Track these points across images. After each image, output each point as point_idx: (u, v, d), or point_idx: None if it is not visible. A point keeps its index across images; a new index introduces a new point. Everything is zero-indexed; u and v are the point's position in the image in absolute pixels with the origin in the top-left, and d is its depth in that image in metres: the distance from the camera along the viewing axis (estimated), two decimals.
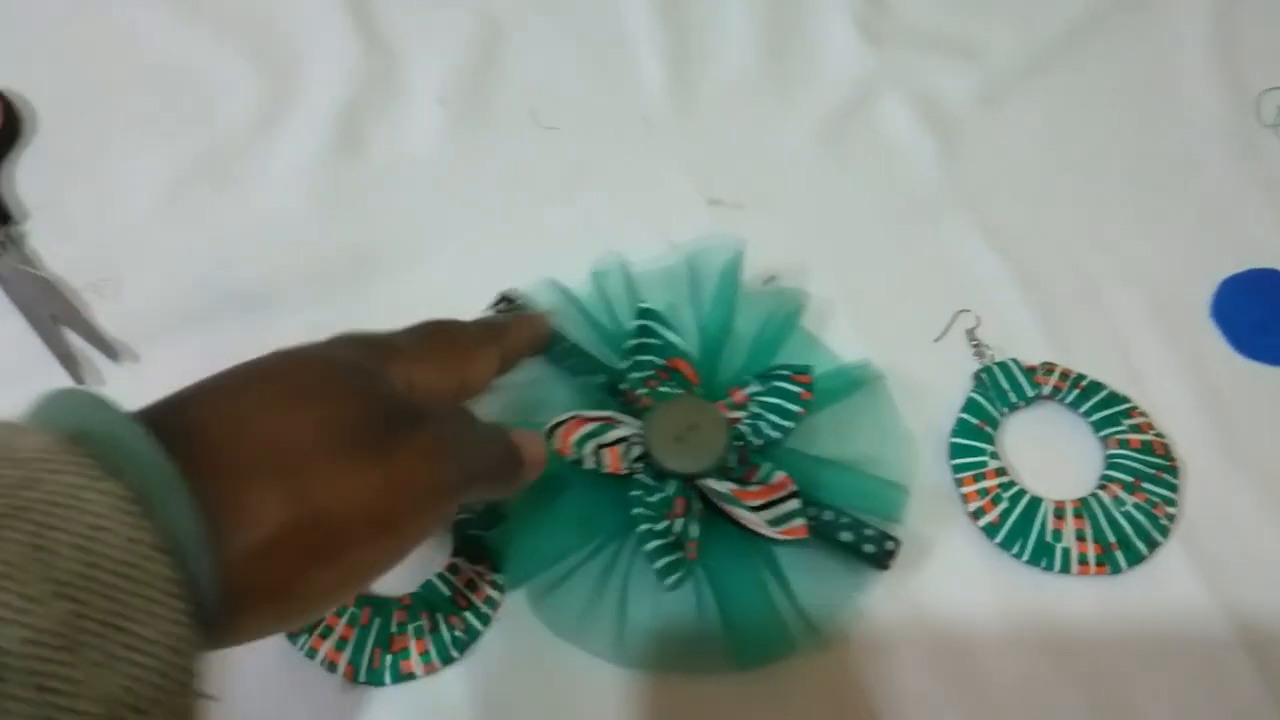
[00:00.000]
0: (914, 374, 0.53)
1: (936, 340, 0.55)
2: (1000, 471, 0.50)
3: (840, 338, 0.54)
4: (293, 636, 0.46)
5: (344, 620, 0.46)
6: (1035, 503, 0.49)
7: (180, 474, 0.27)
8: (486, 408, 0.48)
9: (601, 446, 0.46)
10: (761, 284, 0.56)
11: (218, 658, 0.28)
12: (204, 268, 0.57)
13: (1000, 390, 0.52)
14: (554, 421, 0.46)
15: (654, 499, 0.46)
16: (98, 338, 0.54)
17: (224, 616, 0.27)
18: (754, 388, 0.49)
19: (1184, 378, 0.54)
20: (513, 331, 0.45)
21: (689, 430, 0.47)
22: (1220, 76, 0.64)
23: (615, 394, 0.50)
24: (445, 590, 0.47)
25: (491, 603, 0.47)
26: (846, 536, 0.46)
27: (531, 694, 0.46)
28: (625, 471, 0.47)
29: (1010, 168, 0.61)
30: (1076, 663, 0.46)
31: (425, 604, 0.47)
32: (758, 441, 0.48)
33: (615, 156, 0.61)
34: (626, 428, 0.47)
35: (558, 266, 0.57)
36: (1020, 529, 0.48)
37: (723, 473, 0.47)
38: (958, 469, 0.50)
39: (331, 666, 0.46)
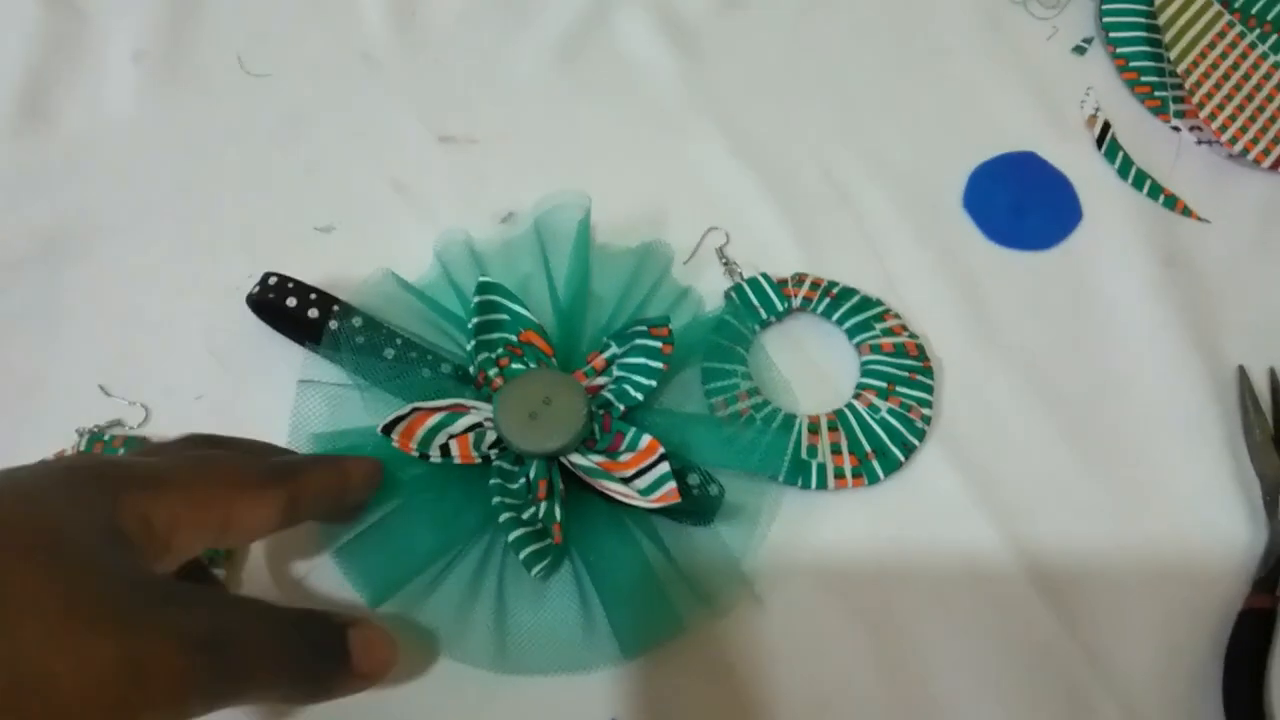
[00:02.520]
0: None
1: (685, 262, 0.52)
2: (752, 392, 0.47)
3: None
4: None
5: None
6: (789, 420, 0.47)
7: None
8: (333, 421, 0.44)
9: (451, 438, 0.42)
10: (500, 221, 0.52)
11: None
12: None
13: (750, 307, 0.50)
14: (392, 418, 0.41)
15: (515, 484, 0.42)
16: None
17: None
18: (613, 350, 0.45)
19: (939, 274, 0.52)
20: (310, 476, 0.38)
21: (543, 405, 0.43)
22: None
23: (468, 380, 0.45)
24: None
25: None
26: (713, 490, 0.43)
27: None
28: (479, 460, 0.42)
29: (754, 74, 0.58)
30: (847, 581, 0.44)
31: None
32: (622, 407, 0.44)
33: (336, 100, 0.57)
34: (477, 414, 0.43)
35: (277, 232, 0.52)
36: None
37: (587, 445, 0.43)
38: (710, 393, 0.47)
39: None
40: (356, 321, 0.47)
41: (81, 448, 0.46)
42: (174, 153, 0.55)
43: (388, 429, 0.41)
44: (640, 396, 0.44)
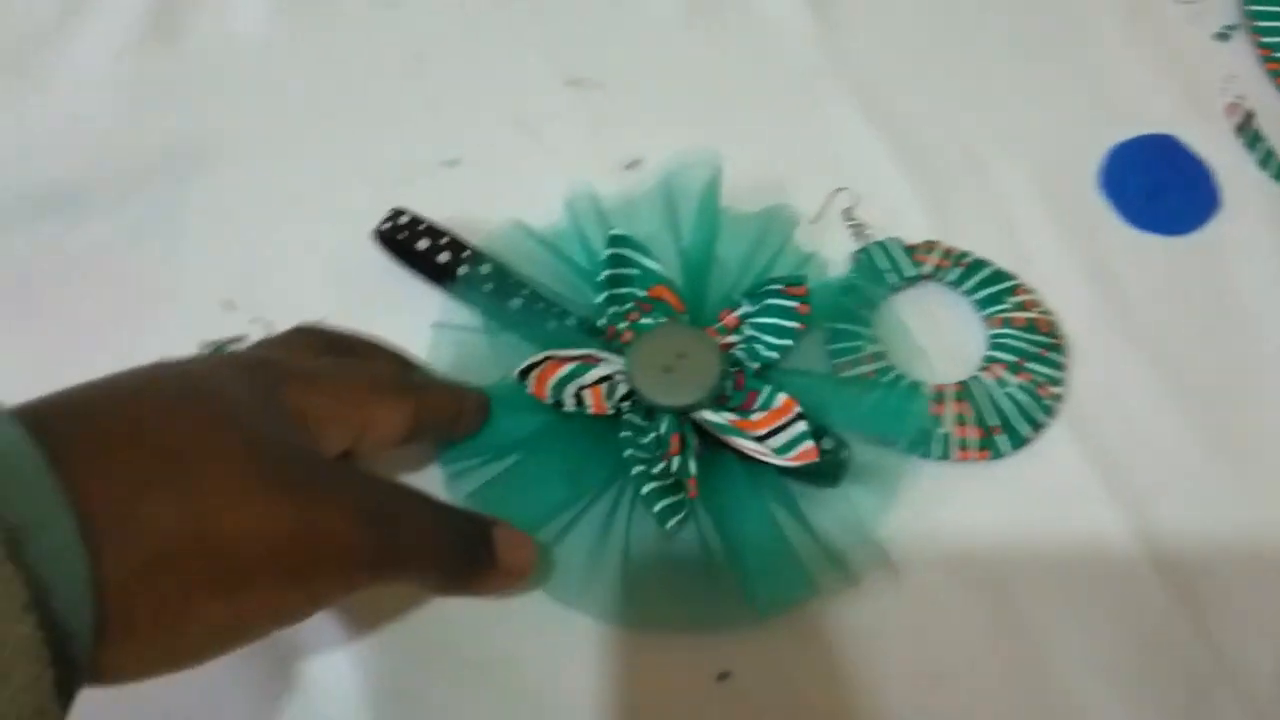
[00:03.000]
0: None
1: (813, 222, 0.51)
2: (878, 356, 0.47)
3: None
4: None
5: None
6: (914, 387, 0.46)
7: (64, 493, 0.24)
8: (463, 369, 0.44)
9: (583, 388, 0.42)
10: (624, 168, 0.52)
11: None
12: (2, 167, 0.51)
13: (878, 271, 0.49)
14: (526, 364, 0.41)
15: (646, 439, 0.41)
16: None
17: (103, 647, 0.25)
18: (746, 308, 0.44)
19: (1072, 252, 0.51)
20: (433, 394, 0.40)
21: (677, 360, 0.42)
22: None
23: (595, 333, 0.45)
24: None
25: None
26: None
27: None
28: (611, 412, 0.42)
29: (890, 37, 0.57)
30: (966, 554, 0.43)
31: None
32: (755, 365, 0.43)
33: (464, 35, 0.56)
34: (608, 365, 0.42)
35: (402, 163, 0.52)
36: None
37: (719, 402, 0.42)
38: (834, 354, 0.47)
39: None
40: (485, 269, 0.46)
41: None
42: (301, 77, 0.55)
43: (523, 374, 0.41)
44: (775, 355, 0.43)
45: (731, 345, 0.44)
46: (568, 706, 0.40)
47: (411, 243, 0.47)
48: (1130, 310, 0.49)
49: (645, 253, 0.45)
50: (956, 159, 0.53)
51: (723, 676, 0.41)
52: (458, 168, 0.52)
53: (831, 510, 0.42)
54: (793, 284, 0.43)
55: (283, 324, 0.47)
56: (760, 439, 0.41)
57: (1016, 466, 0.45)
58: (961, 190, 0.52)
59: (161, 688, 0.28)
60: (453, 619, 0.41)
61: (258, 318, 0.48)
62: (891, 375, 0.46)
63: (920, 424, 0.44)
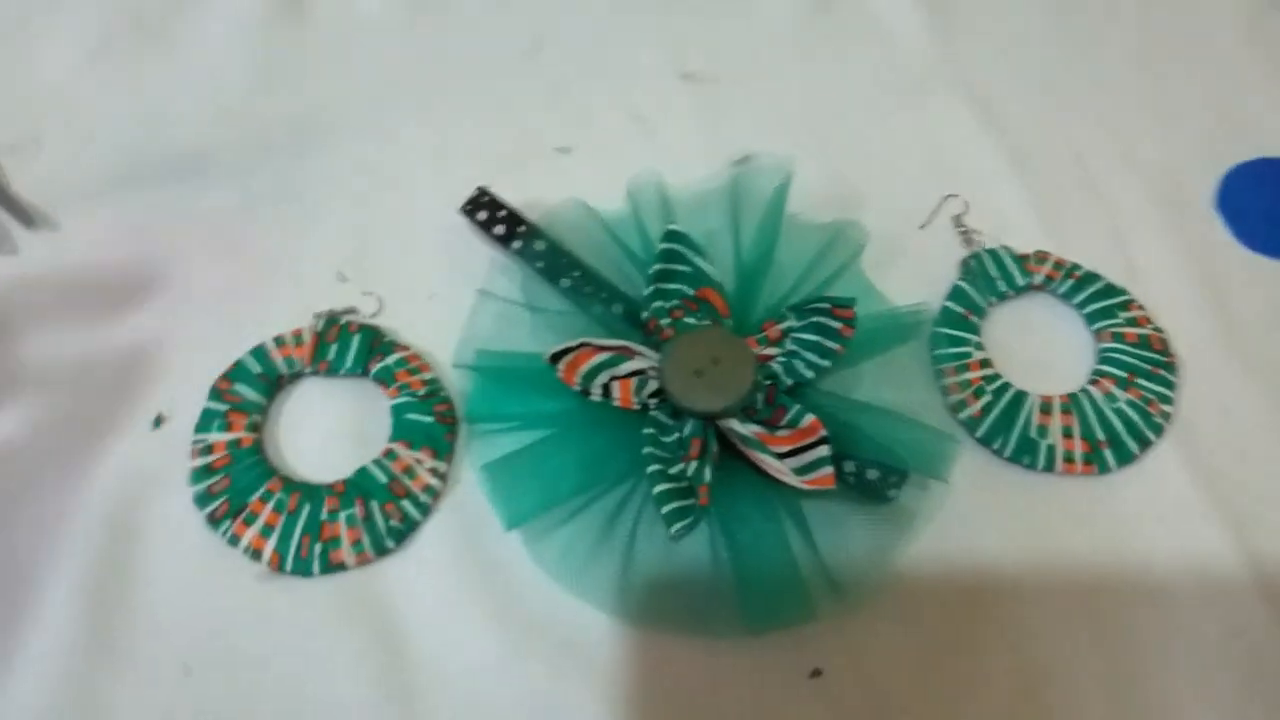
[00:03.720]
0: (898, 263, 0.50)
1: (922, 227, 0.51)
2: (984, 363, 0.46)
3: (817, 218, 0.50)
4: (214, 522, 0.42)
5: (270, 506, 0.43)
6: (1020, 397, 0.45)
7: None
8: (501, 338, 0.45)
9: (614, 379, 0.42)
10: (734, 163, 0.52)
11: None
12: (130, 131, 0.53)
13: (989, 278, 0.48)
14: (561, 348, 0.41)
15: (669, 439, 0.41)
16: (12, 203, 0.49)
17: None
18: (791, 322, 0.43)
19: (1185, 271, 0.50)
20: None
21: (712, 365, 0.42)
22: None
23: (637, 325, 0.45)
24: (381, 477, 0.44)
25: (431, 491, 0.44)
26: (872, 475, 0.42)
27: (470, 590, 0.42)
28: (638, 407, 0.42)
29: (1007, 44, 0.57)
30: (1066, 567, 0.43)
31: (359, 491, 0.43)
32: (789, 381, 0.43)
33: (582, 24, 0.57)
34: (643, 360, 0.42)
35: (517, 143, 0.53)
36: (1003, 424, 0.45)
37: (746, 414, 0.42)
38: (939, 359, 0.46)
39: (256, 554, 0.42)
40: (539, 245, 0.47)
41: (319, 329, 0.47)
42: (418, 59, 0.56)
43: (555, 358, 0.41)
44: (811, 375, 0.43)
45: (770, 358, 0.43)
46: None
47: (484, 216, 0.48)
48: (1242, 333, 0.48)
49: (699, 252, 0.45)
50: (1070, 170, 0.53)
51: (816, 674, 0.41)
52: (570, 156, 0.53)
53: (845, 537, 0.42)
54: (840, 306, 0.42)
55: (391, 299, 0.48)
56: (781, 457, 0.40)
57: (1123, 483, 0.44)
58: (1074, 202, 0.52)
59: None
60: None
61: (370, 291, 0.49)
62: (998, 383, 0.46)
63: (945, 468, 0.43)
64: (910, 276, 0.49)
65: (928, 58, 0.56)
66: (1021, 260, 0.49)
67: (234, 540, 0.42)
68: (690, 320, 0.44)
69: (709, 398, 0.42)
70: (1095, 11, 0.58)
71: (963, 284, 0.48)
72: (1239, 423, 0.46)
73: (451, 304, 0.48)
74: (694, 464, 0.41)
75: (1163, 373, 0.46)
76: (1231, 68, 0.56)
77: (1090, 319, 0.48)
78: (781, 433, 0.41)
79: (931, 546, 0.43)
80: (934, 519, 0.43)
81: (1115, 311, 0.47)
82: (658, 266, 0.44)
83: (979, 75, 0.55)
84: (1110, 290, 0.48)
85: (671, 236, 0.45)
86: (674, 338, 0.43)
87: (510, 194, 0.49)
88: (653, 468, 0.40)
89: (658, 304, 0.44)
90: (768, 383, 0.43)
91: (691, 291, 0.45)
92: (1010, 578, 0.42)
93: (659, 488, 0.40)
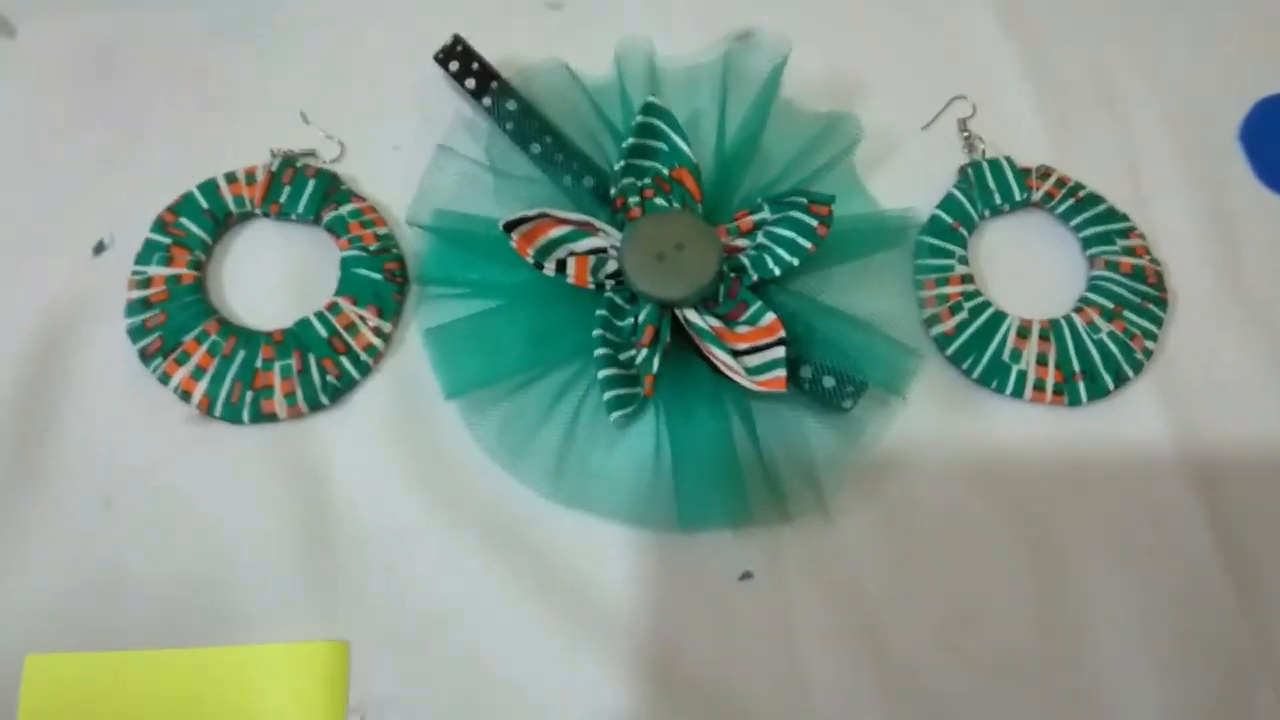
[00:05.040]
0: (893, 163, 0.47)
1: (925, 128, 0.48)
2: (966, 279, 0.44)
3: (814, 106, 0.47)
4: (146, 358, 0.41)
5: (204, 348, 0.41)
6: (998, 317, 0.43)
7: None
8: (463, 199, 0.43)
9: (572, 254, 0.40)
10: (734, 38, 0.49)
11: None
12: None
13: (986, 190, 0.46)
14: (518, 216, 0.39)
15: (621, 323, 0.40)
16: None
17: None
18: (765, 214, 0.41)
19: (1195, 203, 0.47)
20: None
21: (675, 250, 0.39)
22: None
23: (607, 201, 0.42)
24: (322, 330, 0.42)
25: (372, 351, 0.42)
26: (828, 382, 0.40)
27: (403, 456, 0.41)
28: (593, 287, 0.40)
29: None
30: (1020, 494, 0.41)
31: (297, 342, 0.42)
32: (755, 276, 0.41)
33: None
34: (604, 238, 0.40)
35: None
36: (976, 343, 0.43)
37: (705, 305, 0.40)
38: (920, 269, 0.44)
39: (185, 396, 0.41)
40: (511, 105, 0.44)
41: (274, 169, 0.44)
42: None
43: (510, 226, 0.39)
44: (778, 271, 0.40)
45: (738, 249, 0.41)
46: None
47: (462, 77, 0.45)
48: (1245, 275, 0.46)
49: (678, 130, 0.42)
50: (1089, 85, 0.49)
51: (745, 576, 0.40)
52: (560, 10, 0.50)
53: (792, 442, 0.40)
54: (817, 202, 0.40)
55: (354, 145, 0.46)
56: (737, 353, 0.39)
57: (1090, 416, 0.42)
58: (1088, 119, 0.49)
59: None
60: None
61: (333, 135, 0.46)
62: (977, 300, 0.43)
63: (904, 384, 0.41)
64: (904, 178, 0.47)
65: None
66: (1023, 174, 0.46)
67: (164, 379, 0.41)
68: (660, 201, 0.42)
69: (668, 285, 0.39)
70: None
71: (957, 192, 0.46)
72: (1225, 368, 0.44)
73: (417, 158, 0.45)
74: (644, 351, 0.39)
75: (1152, 307, 0.43)
76: None
77: (1086, 243, 0.45)
78: (740, 329, 0.39)
79: (878, 459, 0.41)
80: (887, 435, 0.41)
81: (1113, 238, 0.45)
82: (632, 141, 0.42)
83: None
84: (1111, 215, 0.45)
85: (650, 110, 0.42)
86: (639, 218, 0.41)
87: (492, 47, 0.46)
88: (600, 351, 0.38)
89: (628, 180, 0.42)
90: (732, 275, 0.41)
91: (665, 171, 0.42)
92: (953, 498, 0.41)
93: (603, 372, 0.38)
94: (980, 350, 0.42)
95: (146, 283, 0.42)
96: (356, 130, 0.46)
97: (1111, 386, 0.42)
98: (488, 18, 0.48)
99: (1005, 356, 0.42)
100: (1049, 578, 0.40)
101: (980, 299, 0.44)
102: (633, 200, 0.42)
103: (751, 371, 0.38)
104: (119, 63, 0.48)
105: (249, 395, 0.41)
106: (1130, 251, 0.44)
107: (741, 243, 0.41)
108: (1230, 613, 0.40)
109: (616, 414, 0.38)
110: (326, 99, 0.47)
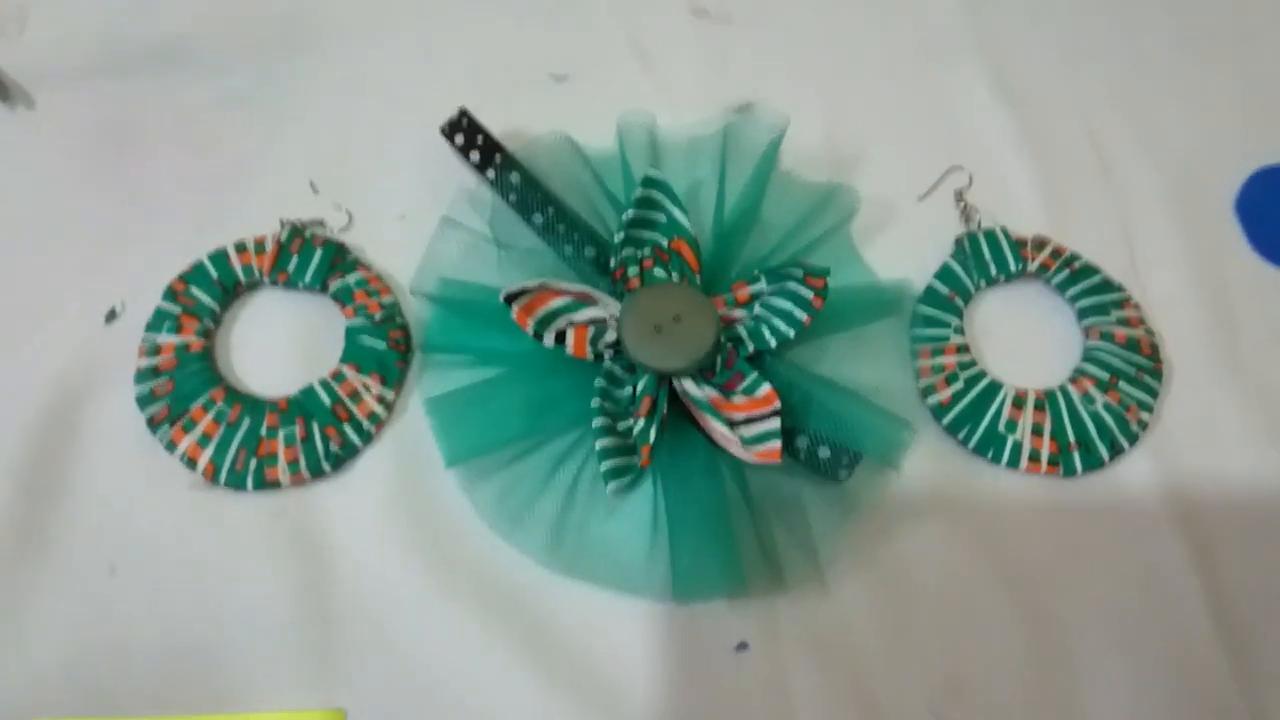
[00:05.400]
0: (890, 233, 0.48)
1: (922, 198, 0.49)
2: (961, 349, 0.44)
3: (812, 176, 0.48)
4: (154, 425, 0.42)
5: (210, 415, 0.42)
6: (993, 388, 0.44)
7: None
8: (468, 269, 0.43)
9: (571, 325, 0.40)
10: (734, 111, 0.50)
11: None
12: (117, 18, 0.51)
13: (981, 260, 0.46)
14: (518, 288, 0.40)
15: (619, 392, 0.40)
16: None
17: None
18: (761, 285, 0.41)
19: (1190, 273, 0.47)
20: None
21: (673, 322, 0.40)
22: None
23: (607, 271, 0.43)
24: (326, 399, 0.43)
25: (375, 419, 0.43)
26: (824, 453, 0.40)
27: (404, 524, 0.42)
28: (590, 357, 0.40)
29: (1036, 16, 0.54)
30: (1003, 561, 0.41)
31: (302, 410, 0.42)
32: (752, 347, 0.41)
33: None
34: (603, 308, 0.41)
35: (511, 63, 0.51)
36: (971, 414, 0.43)
37: (703, 375, 0.40)
38: (916, 339, 0.45)
39: (191, 463, 0.41)
40: (514, 177, 0.45)
41: (282, 239, 0.45)
42: None
43: (511, 298, 0.39)
44: (774, 342, 0.41)
45: (735, 320, 0.42)
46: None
47: (467, 150, 0.46)
48: (1241, 346, 0.46)
49: (677, 202, 0.42)
50: (1085, 153, 0.50)
51: (741, 647, 0.40)
52: (565, 84, 0.51)
53: (788, 513, 0.41)
54: (814, 274, 0.40)
55: (361, 214, 0.47)
56: (734, 424, 0.39)
57: (1086, 487, 0.43)
58: (1084, 187, 0.49)
59: None
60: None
61: (341, 205, 0.47)
62: (973, 370, 0.44)
63: (898, 456, 0.41)
64: (901, 248, 0.47)
65: (952, 21, 0.53)
66: (1018, 245, 0.46)
67: (171, 446, 0.42)
68: (659, 272, 0.42)
69: (665, 356, 0.40)
70: None
71: (953, 263, 0.46)
72: (1220, 439, 0.44)
73: (422, 227, 0.46)
74: (641, 422, 0.39)
75: (1147, 378, 0.44)
76: (1270, 66, 0.53)
77: (1081, 314, 0.46)
78: (737, 399, 0.40)
79: (875, 528, 0.41)
80: (882, 505, 0.42)
81: (1108, 309, 0.45)
82: (631, 213, 0.42)
83: (1003, 44, 0.52)
84: (1106, 286, 0.46)
85: (649, 182, 0.43)
86: (638, 289, 0.42)
87: (497, 119, 0.47)
88: (598, 421, 0.39)
89: (628, 251, 0.43)
90: (729, 345, 0.41)
91: (664, 242, 0.43)
92: (948, 567, 0.41)
93: (601, 442, 0.39)
94: (976, 420, 0.43)
95: (156, 350, 0.43)
96: (363, 200, 0.47)
97: (1106, 458, 0.43)
98: (493, 90, 0.49)
99: (1001, 427, 0.43)
100: (1043, 646, 0.40)
101: (976, 369, 0.44)
102: (632, 271, 0.42)
103: (748, 442, 0.39)
104: (132, 133, 0.49)
105: (253, 463, 0.41)
106: (1125, 322, 0.45)
107: (739, 314, 0.42)
108: (1223, 679, 0.40)
109: (613, 484, 0.38)
110: (335, 169, 0.48)
